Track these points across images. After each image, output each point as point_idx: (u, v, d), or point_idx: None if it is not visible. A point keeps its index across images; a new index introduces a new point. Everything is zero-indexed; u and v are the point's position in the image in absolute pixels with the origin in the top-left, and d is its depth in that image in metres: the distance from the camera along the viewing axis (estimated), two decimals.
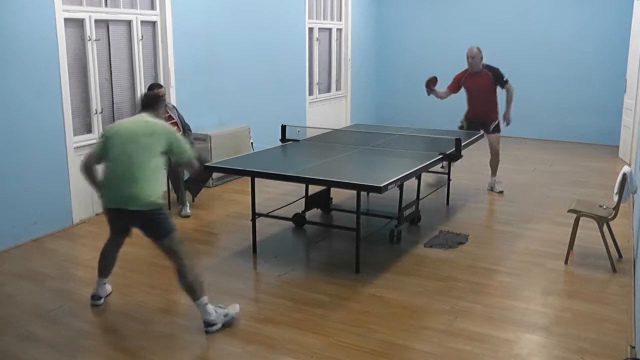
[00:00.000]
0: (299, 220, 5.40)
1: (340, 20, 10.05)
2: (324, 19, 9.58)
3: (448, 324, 3.62)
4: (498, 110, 6.69)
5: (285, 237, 5.29)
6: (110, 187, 3.54)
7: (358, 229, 4.39)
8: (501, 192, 6.62)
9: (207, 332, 3.49)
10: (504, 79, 6.57)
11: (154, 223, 3.51)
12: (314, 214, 5.74)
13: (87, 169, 3.61)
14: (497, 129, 6.70)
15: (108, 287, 4.04)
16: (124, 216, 3.53)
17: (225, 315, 3.56)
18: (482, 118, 6.65)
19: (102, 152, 3.58)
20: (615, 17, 9.13)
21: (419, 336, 3.49)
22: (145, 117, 3.67)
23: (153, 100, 3.83)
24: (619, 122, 8.76)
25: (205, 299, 3.51)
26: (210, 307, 3.51)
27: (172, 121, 5.99)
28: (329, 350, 3.33)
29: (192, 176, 4.68)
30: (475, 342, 3.41)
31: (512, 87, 6.57)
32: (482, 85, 6.57)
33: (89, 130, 5.79)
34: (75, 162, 5.50)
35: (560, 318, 3.72)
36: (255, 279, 4.47)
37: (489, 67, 6.61)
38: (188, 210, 5.79)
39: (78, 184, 5.54)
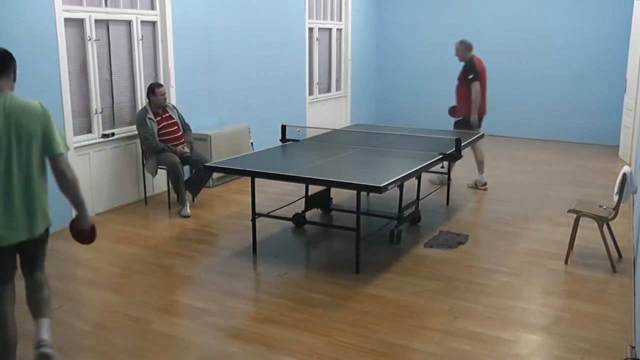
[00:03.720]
0: (299, 220, 5.40)
1: (340, 20, 10.05)
2: (324, 19, 9.58)
3: (448, 324, 3.62)
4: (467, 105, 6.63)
5: (285, 237, 5.29)
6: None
7: (358, 229, 4.39)
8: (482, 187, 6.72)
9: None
10: (469, 77, 6.54)
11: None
12: (314, 214, 5.74)
13: None
14: (460, 125, 6.75)
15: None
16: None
17: None
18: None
19: None
20: (615, 17, 9.12)
21: (419, 336, 3.49)
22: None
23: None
24: (619, 122, 8.75)
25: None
26: None
27: (172, 121, 6.00)
28: (329, 350, 3.33)
29: None
30: (475, 342, 3.41)
31: (474, 89, 6.49)
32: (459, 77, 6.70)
33: (89, 130, 5.78)
34: (75, 162, 5.50)
35: (560, 318, 3.72)
36: (255, 279, 4.48)
37: (467, 60, 6.61)
38: (188, 210, 5.79)
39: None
